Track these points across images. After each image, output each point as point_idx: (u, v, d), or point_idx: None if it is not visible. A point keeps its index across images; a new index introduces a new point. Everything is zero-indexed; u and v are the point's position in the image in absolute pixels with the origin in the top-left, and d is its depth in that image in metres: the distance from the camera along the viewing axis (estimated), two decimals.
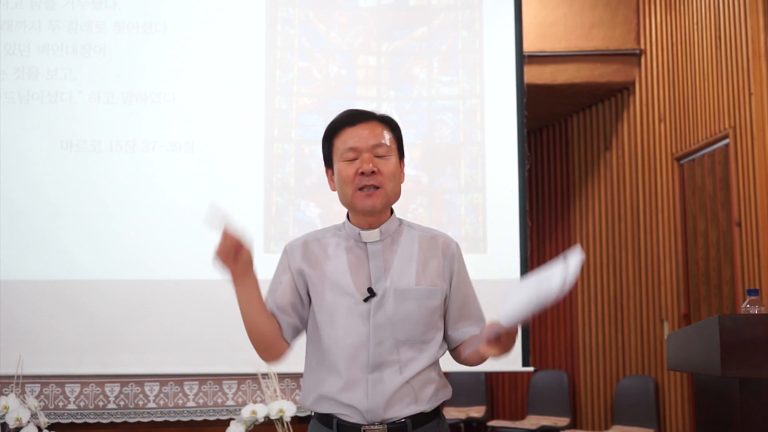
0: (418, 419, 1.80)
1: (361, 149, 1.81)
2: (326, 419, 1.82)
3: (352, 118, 1.85)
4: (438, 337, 1.86)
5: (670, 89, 5.11)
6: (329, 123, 1.88)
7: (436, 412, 1.86)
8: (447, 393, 1.87)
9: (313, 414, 1.88)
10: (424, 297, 1.83)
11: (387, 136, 1.84)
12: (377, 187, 1.81)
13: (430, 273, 1.85)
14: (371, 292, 1.81)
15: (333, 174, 1.87)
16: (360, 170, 1.80)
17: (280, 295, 1.86)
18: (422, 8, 4.09)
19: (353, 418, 1.78)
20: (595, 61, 5.38)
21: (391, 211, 1.91)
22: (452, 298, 1.89)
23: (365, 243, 1.85)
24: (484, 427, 5.94)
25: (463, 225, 3.91)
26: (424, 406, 1.81)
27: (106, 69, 3.84)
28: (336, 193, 1.89)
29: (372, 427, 1.77)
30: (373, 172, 1.79)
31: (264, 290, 1.85)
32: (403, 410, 1.78)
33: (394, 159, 1.84)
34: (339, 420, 1.79)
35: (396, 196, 1.87)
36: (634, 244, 5.48)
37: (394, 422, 1.78)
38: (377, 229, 1.85)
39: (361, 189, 1.80)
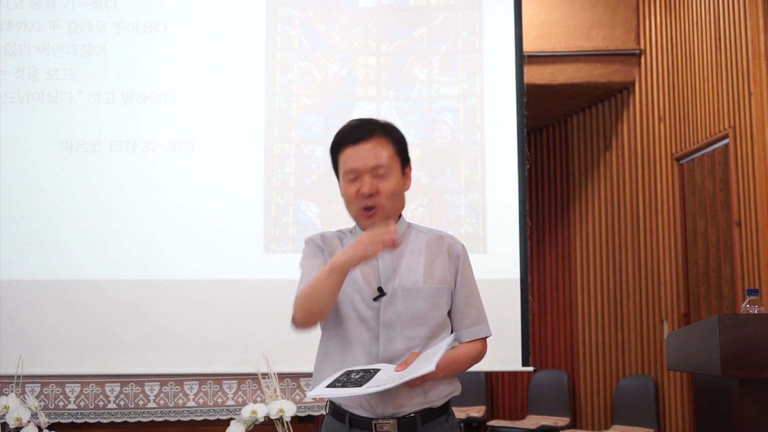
0: (428, 414, 1.85)
1: (361, 171, 1.86)
2: (339, 414, 1.88)
3: (353, 136, 1.89)
4: (446, 335, 1.90)
5: (670, 89, 5.11)
6: (335, 134, 1.94)
7: (445, 408, 1.90)
8: (456, 389, 1.92)
9: (326, 410, 1.94)
10: (431, 295, 1.88)
11: (386, 155, 1.88)
12: (376, 207, 1.86)
13: (437, 272, 1.91)
14: (381, 291, 1.86)
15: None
16: (359, 191, 1.86)
17: None
18: (422, 8, 4.09)
19: (364, 412, 1.83)
20: (595, 61, 5.38)
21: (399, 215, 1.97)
22: (455, 297, 1.94)
23: None
24: (484, 426, 5.95)
25: (462, 225, 3.90)
26: (433, 401, 1.85)
27: (106, 69, 3.84)
28: (339, 195, 1.94)
29: (382, 421, 1.81)
30: (371, 194, 1.85)
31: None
32: (412, 405, 1.82)
33: (394, 177, 1.89)
34: (351, 414, 1.84)
35: (397, 210, 1.93)
36: (634, 244, 5.48)
37: (404, 417, 1.82)
38: None
39: (362, 208, 1.87)
